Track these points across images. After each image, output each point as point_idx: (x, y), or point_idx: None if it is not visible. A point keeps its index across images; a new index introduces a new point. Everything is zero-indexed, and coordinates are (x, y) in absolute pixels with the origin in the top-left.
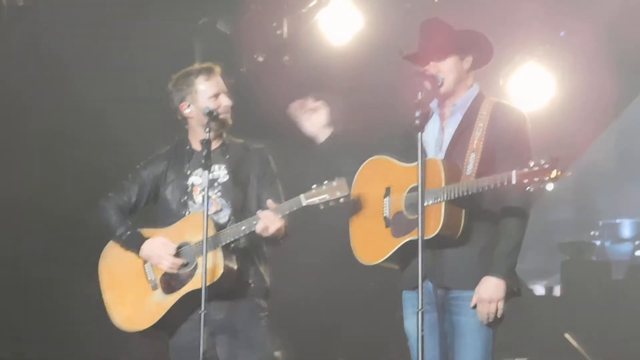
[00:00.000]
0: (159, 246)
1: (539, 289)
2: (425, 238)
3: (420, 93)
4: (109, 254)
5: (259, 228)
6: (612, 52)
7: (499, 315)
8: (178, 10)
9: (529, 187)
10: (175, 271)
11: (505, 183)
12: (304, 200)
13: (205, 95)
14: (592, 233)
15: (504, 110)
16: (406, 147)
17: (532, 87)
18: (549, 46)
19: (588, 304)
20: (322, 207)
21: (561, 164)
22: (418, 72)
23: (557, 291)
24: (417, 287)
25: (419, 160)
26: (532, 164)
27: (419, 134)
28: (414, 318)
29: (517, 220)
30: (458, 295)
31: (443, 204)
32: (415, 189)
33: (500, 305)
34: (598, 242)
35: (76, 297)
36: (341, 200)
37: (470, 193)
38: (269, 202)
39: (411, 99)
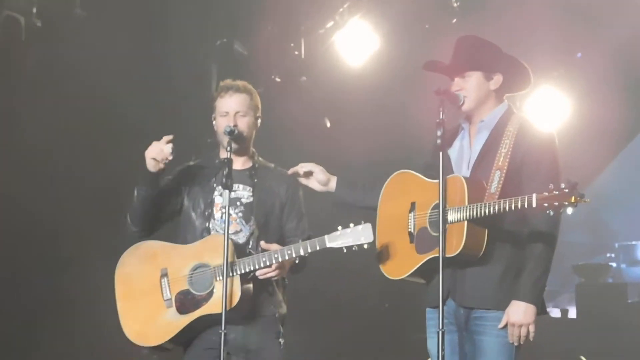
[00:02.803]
0: (155, 143)
1: (555, 312)
2: (447, 256)
3: (441, 112)
4: (127, 263)
5: (260, 272)
6: (628, 75)
7: (531, 338)
8: (196, 31)
9: (548, 211)
10: (159, 159)
11: (526, 205)
12: (328, 242)
13: (218, 112)
14: (608, 255)
15: (531, 127)
16: (434, 162)
17: (548, 109)
18: (564, 69)
19: (604, 326)
20: (345, 250)
21: (579, 188)
22: (439, 90)
23: (572, 313)
24: (438, 306)
25: (440, 179)
26: (551, 186)
27: (440, 153)
28: (436, 337)
29: (544, 245)
30: (481, 315)
31: (465, 222)
32: (437, 206)
33: (532, 328)
34: (614, 264)
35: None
36: (365, 246)
37: (491, 213)
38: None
39: (434, 116)
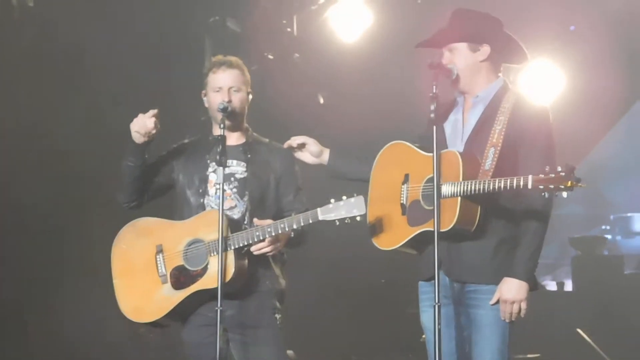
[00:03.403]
0: (140, 115)
1: (551, 285)
2: (440, 230)
3: (435, 86)
4: (123, 240)
5: (254, 248)
6: (622, 47)
7: (522, 315)
8: (188, 8)
9: (543, 193)
10: (142, 133)
11: (522, 186)
12: (321, 214)
13: (211, 88)
14: (603, 227)
15: (526, 103)
16: (429, 134)
17: (543, 82)
18: (559, 42)
19: (600, 298)
20: (337, 222)
21: (576, 172)
22: (432, 64)
23: (568, 286)
24: (431, 278)
25: (434, 154)
26: (547, 169)
27: (434, 127)
28: (430, 311)
29: (538, 223)
30: (475, 289)
31: (459, 198)
32: (431, 180)
33: (524, 305)
34: (610, 237)
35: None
36: (357, 218)
37: (486, 191)
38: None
39: (428, 90)
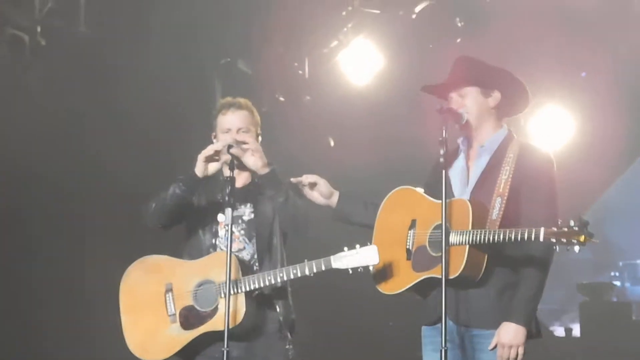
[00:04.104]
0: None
1: (559, 330)
2: (448, 278)
3: (444, 130)
4: (132, 276)
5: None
6: (631, 95)
7: None
8: (200, 50)
9: (555, 246)
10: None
11: (533, 238)
12: (333, 262)
13: (220, 129)
14: (612, 274)
15: (531, 152)
16: (434, 181)
17: (553, 127)
18: (569, 89)
19: (608, 345)
20: (350, 271)
21: (589, 227)
22: (442, 108)
23: (576, 332)
24: (436, 322)
25: (443, 199)
26: (560, 222)
27: (443, 171)
28: (434, 355)
29: (538, 268)
30: (479, 333)
31: (467, 246)
32: (440, 227)
33: (521, 350)
34: (618, 283)
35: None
36: (370, 268)
37: (496, 241)
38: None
39: (436, 135)
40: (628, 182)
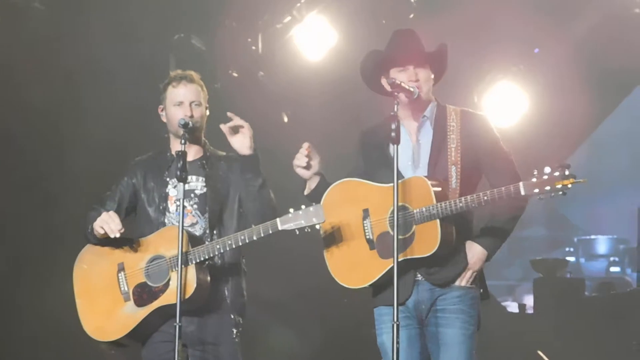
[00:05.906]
0: (105, 215)
1: (512, 306)
2: (423, 256)
3: (396, 105)
4: (85, 259)
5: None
6: (585, 70)
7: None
8: (153, 25)
9: (539, 197)
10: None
11: (513, 195)
12: (280, 224)
13: (171, 102)
14: (567, 249)
15: (470, 117)
16: (376, 165)
17: (506, 104)
18: (523, 65)
19: (561, 320)
20: (297, 232)
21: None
22: (394, 83)
23: (530, 308)
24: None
25: (395, 175)
26: (535, 172)
27: (395, 146)
28: (391, 332)
29: (509, 217)
30: (444, 307)
31: (437, 221)
32: (400, 208)
33: (475, 275)
34: (573, 259)
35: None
36: (317, 226)
37: (471, 207)
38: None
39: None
40: (582, 159)
